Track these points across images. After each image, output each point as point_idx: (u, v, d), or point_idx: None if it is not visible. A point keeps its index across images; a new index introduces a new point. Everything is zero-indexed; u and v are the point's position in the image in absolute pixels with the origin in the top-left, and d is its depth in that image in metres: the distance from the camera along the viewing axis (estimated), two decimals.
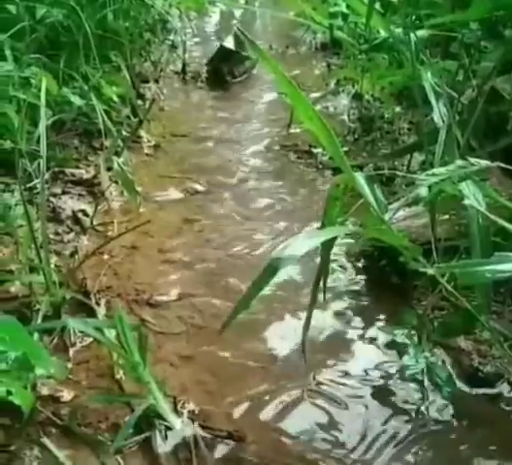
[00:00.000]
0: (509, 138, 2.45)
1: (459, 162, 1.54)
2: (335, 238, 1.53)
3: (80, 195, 2.84)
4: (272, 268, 1.21)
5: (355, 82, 3.82)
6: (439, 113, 2.27)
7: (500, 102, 2.68)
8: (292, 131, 3.58)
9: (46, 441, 1.58)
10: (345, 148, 3.22)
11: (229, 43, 4.63)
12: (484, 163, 1.57)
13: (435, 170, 1.53)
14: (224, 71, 4.50)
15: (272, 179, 3.12)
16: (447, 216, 2.18)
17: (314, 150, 3.31)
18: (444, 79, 2.56)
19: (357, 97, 3.73)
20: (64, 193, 2.83)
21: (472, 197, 1.57)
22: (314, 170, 3.17)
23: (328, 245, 1.56)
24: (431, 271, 1.32)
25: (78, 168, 3.07)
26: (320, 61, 4.94)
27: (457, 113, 2.60)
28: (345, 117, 3.75)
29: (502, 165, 1.57)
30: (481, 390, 1.72)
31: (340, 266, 2.32)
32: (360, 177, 1.62)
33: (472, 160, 1.58)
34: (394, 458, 1.55)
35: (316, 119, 1.44)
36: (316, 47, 5.33)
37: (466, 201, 1.52)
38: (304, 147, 3.40)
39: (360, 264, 2.33)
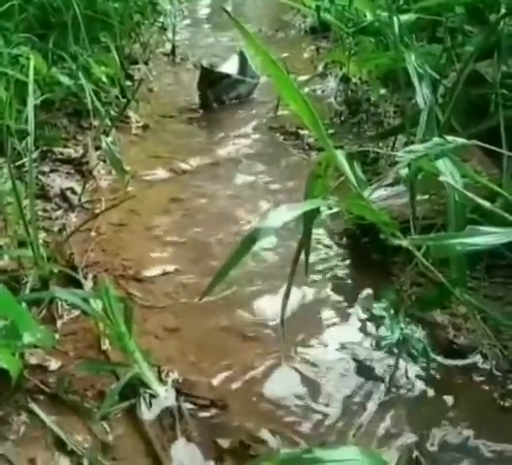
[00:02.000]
0: (491, 120, 2.50)
1: (436, 139, 1.59)
2: (316, 212, 1.57)
3: (68, 173, 2.88)
4: (251, 238, 1.25)
5: (342, 66, 3.85)
6: (422, 95, 2.31)
7: (483, 85, 2.72)
8: (279, 113, 3.62)
9: (33, 406, 1.63)
10: (331, 130, 3.27)
11: (231, 64, 4.02)
12: (460, 141, 1.63)
13: (413, 148, 1.58)
14: (210, 97, 3.85)
15: (259, 160, 3.16)
16: (427, 196, 2.24)
17: (301, 132, 3.36)
18: (428, 63, 2.60)
19: (344, 80, 3.77)
20: (52, 171, 2.87)
21: (449, 174, 1.62)
22: (301, 152, 3.22)
23: (309, 218, 1.60)
24: (405, 243, 1.37)
25: (66, 147, 3.11)
26: (309, 44, 4.97)
27: (441, 96, 2.65)
28: (332, 100, 3.80)
29: (479, 143, 1.62)
30: (455, 361, 1.78)
31: (323, 244, 2.37)
32: (340, 155, 1.66)
33: (449, 138, 1.63)
34: (368, 423, 1.60)
35: (299, 99, 1.49)
36: (305, 31, 5.36)
37: (442, 178, 1.56)
38: (291, 129, 3.44)
39: (342, 242, 2.38)
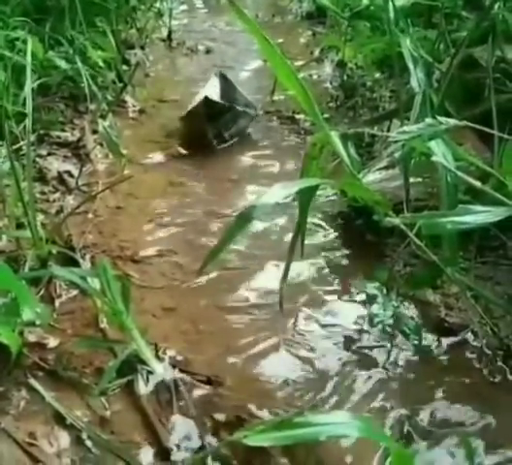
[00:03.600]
0: (485, 104, 2.52)
1: (429, 120, 1.62)
2: (312, 191, 1.60)
3: (65, 156, 2.90)
4: (246, 215, 1.28)
5: (338, 51, 3.86)
6: (417, 79, 2.32)
7: (478, 70, 2.74)
8: (275, 98, 3.63)
9: (33, 382, 1.66)
10: (327, 115, 3.28)
11: (212, 87, 3.36)
12: (453, 122, 1.65)
13: (406, 128, 1.60)
14: (210, 134, 3.07)
15: (255, 144, 3.18)
16: (421, 179, 2.27)
17: (297, 116, 3.38)
18: (424, 48, 2.62)
19: (340, 65, 3.78)
20: (50, 154, 2.88)
21: (441, 155, 1.64)
22: (297, 136, 3.24)
23: (305, 198, 1.62)
24: (397, 221, 1.40)
25: (63, 130, 3.12)
26: (305, 30, 4.98)
27: (436, 81, 2.67)
28: (328, 85, 3.82)
29: (470, 124, 1.65)
30: (446, 339, 1.81)
31: (319, 226, 2.40)
32: (335, 136, 1.68)
33: (442, 119, 1.65)
34: (361, 399, 1.64)
35: (296, 83, 1.51)
36: (302, 16, 5.36)
37: (435, 158, 1.59)
38: (287, 114, 3.47)
39: (337, 224, 2.41)
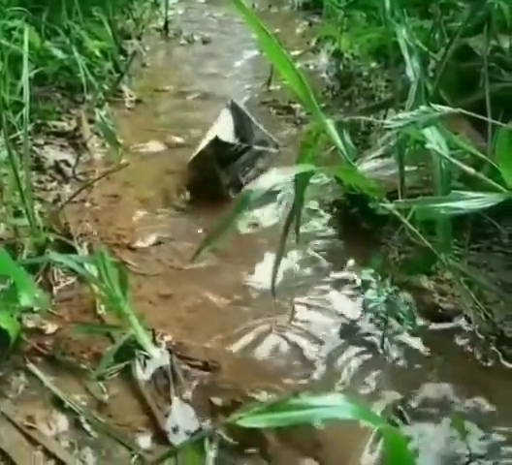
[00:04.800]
0: (480, 93, 2.54)
1: (423, 108, 1.63)
2: (308, 177, 1.61)
3: (62, 146, 2.91)
4: (243, 200, 1.30)
5: (335, 41, 3.87)
6: (412, 68, 2.33)
7: (473, 59, 2.76)
8: (272, 88, 3.64)
9: (31, 367, 1.68)
10: (323, 104, 3.29)
11: (224, 123, 2.91)
12: (447, 109, 1.67)
13: (400, 115, 1.61)
14: (223, 181, 2.59)
15: None
16: (416, 168, 2.28)
17: (293, 106, 3.39)
18: (420, 37, 2.64)
19: (336, 55, 3.79)
20: (47, 144, 2.89)
21: (435, 142, 1.66)
22: (293, 125, 3.26)
23: (301, 184, 1.64)
24: (391, 207, 1.41)
25: (60, 120, 3.13)
26: (302, 20, 4.98)
27: (431, 71, 2.68)
28: (325, 75, 3.83)
29: (464, 111, 1.66)
30: (440, 325, 1.84)
31: (314, 214, 2.42)
32: (330, 124, 1.70)
33: (436, 106, 1.67)
34: (354, 382, 1.67)
35: (292, 72, 1.52)
36: (298, 7, 5.36)
37: (429, 145, 1.60)
38: (283, 103, 3.48)
39: (333, 213, 2.43)
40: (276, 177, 1.36)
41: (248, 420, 1.07)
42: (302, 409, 1.07)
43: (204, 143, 2.66)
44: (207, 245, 1.37)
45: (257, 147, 2.76)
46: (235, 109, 3.00)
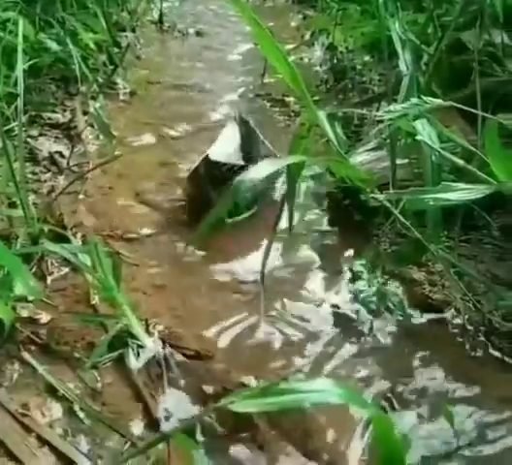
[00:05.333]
0: (472, 86, 2.55)
1: (414, 100, 1.65)
2: (300, 168, 1.63)
3: (56, 137, 2.92)
4: (235, 189, 1.32)
5: (329, 34, 3.88)
6: (405, 62, 2.35)
7: (466, 53, 2.77)
8: (266, 81, 3.66)
9: (25, 355, 1.69)
10: (317, 97, 3.31)
11: (229, 138, 2.72)
12: (437, 101, 1.68)
13: (392, 107, 1.63)
14: (215, 203, 2.01)
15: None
16: (407, 161, 2.30)
17: (287, 99, 3.41)
18: (413, 31, 2.65)
19: (330, 49, 3.81)
20: (41, 135, 2.91)
21: (426, 134, 1.68)
22: (287, 118, 3.28)
23: (293, 175, 1.66)
24: (381, 198, 1.43)
25: (54, 112, 3.14)
26: (296, 13, 5.00)
27: (424, 64, 2.70)
28: (318, 68, 3.84)
29: (455, 104, 1.68)
30: (430, 315, 1.86)
31: (306, 207, 2.44)
32: (322, 115, 1.72)
33: (427, 99, 1.68)
34: (345, 370, 1.70)
35: (286, 65, 1.54)
36: (293, 0, 5.36)
37: (419, 137, 1.62)
38: (277, 96, 3.49)
39: (325, 205, 2.45)
40: (268, 167, 1.38)
41: (239, 405, 1.08)
42: (291, 393, 1.08)
43: (199, 159, 2.47)
44: (201, 233, 1.38)
45: None
46: (242, 124, 2.79)
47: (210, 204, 2.03)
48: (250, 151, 2.59)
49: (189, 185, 2.48)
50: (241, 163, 2.42)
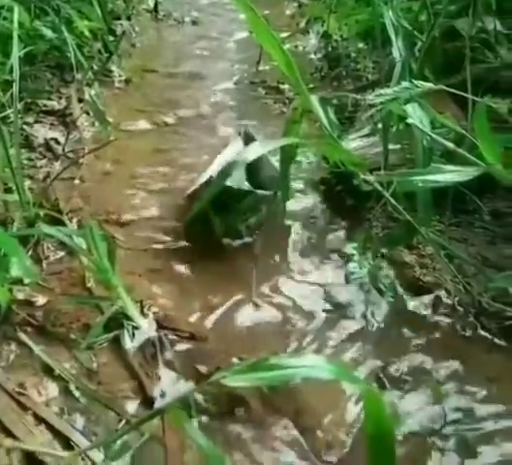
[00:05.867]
0: (464, 73, 2.57)
1: (405, 83, 1.67)
2: (293, 150, 1.65)
3: (52, 124, 2.93)
4: (227, 169, 1.34)
5: (324, 22, 3.89)
6: (397, 48, 2.37)
7: (459, 40, 2.79)
8: (261, 68, 3.67)
9: (22, 336, 1.71)
10: (311, 85, 3.32)
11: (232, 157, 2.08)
12: (428, 85, 1.71)
13: (382, 91, 1.65)
14: (217, 230, 2.15)
15: (241, 112, 3.22)
16: (400, 146, 2.32)
17: (282, 86, 3.42)
18: (408, 19, 2.66)
19: (325, 36, 3.82)
20: (36, 122, 2.92)
21: (417, 117, 1.70)
22: (282, 105, 3.29)
23: (287, 157, 1.68)
24: (371, 179, 1.46)
25: (50, 99, 3.15)
26: (291, 1, 4.99)
27: (418, 51, 2.71)
28: (313, 56, 3.85)
29: (446, 88, 1.70)
30: (420, 297, 1.89)
31: (300, 192, 2.46)
32: (315, 100, 1.74)
33: (418, 82, 1.71)
34: (336, 351, 1.73)
35: (280, 52, 1.56)
36: None
37: (410, 120, 1.65)
38: (272, 84, 3.51)
39: (318, 190, 2.47)
40: (259, 149, 1.40)
41: (230, 379, 1.11)
42: (282, 369, 1.11)
43: (199, 180, 2.28)
44: (194, 213, 1.41)
45: (262, 192, 2.15)
46: (249, 141, 2.41)
47: (212, 230, 2.09)
48: (257, 172, 2.29)
49: (188, 207, 2.23)
50: (247, 187, 2.17)
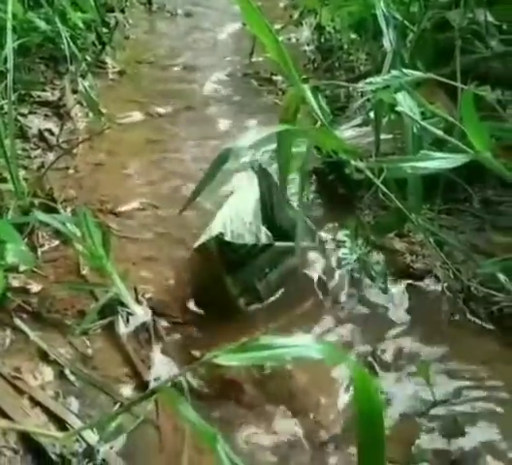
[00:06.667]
0: (455, 63, 2.59)
1: (395, 72, 1.70)
2: (291, 137, 1.67)
3: (46, 115, 2.95)
4: (223, 157, 1.36)
5: (317, 14, 3.90)
6: (388, 39, 2.39)
7: (450, 31, 2.81)
8: (254, 59, 3.69)
9: (17, 322, 1.73)
10: (304, 76, 3.33)
11: (243, 199, 2.10)
12: (417, 74, 1.73)
13: (372, 79, 1.68)
14: (231, 291, 1.82)
15: (233, 104, 3.25)
16: (392, 136, 2.35)
17: (274, 78, 3.44)
18: (400, 11, 2.69)
19: (318, 28, 3.83)
20: (31, 113, 2.93)
21: (407, 106, 1.72)
22: (275, 97, 3.31)
23: (285, 141, 1.69)
24: (362, 165, 1.48)
25: (44, 91, 3.16)
26: None
27: (410, 43, 2.74)
28: (306, 48, 3.87)
29: (434, 76, 1.73)
30: (411, 283, 1.92)
31: (293, 182, 2.47)
32: (307, 88, 1.76)
33: (407, 71, 1.73)
34: (325, 335, 1.75)
35: (274, 43, 1.58)
36: None
37: (399, 108, 1.67)
38: (265, 75, 3.53)
39: (311, 179, 2.49)
40: (255, 136, 1.42)
41: (222, 359, 1.13)
42: (273, 348, 1.13)
43: (207, 233, 1.90)
44: (190, 202, 1.43)
45: (281, 244, 1.89)
46: (263, 177, 2.14)
47: (223, 291, 1.80)
48: (273, 216, 2.09)
49: (196, 263, 1.93)
50: (263, 241, 1.97)
